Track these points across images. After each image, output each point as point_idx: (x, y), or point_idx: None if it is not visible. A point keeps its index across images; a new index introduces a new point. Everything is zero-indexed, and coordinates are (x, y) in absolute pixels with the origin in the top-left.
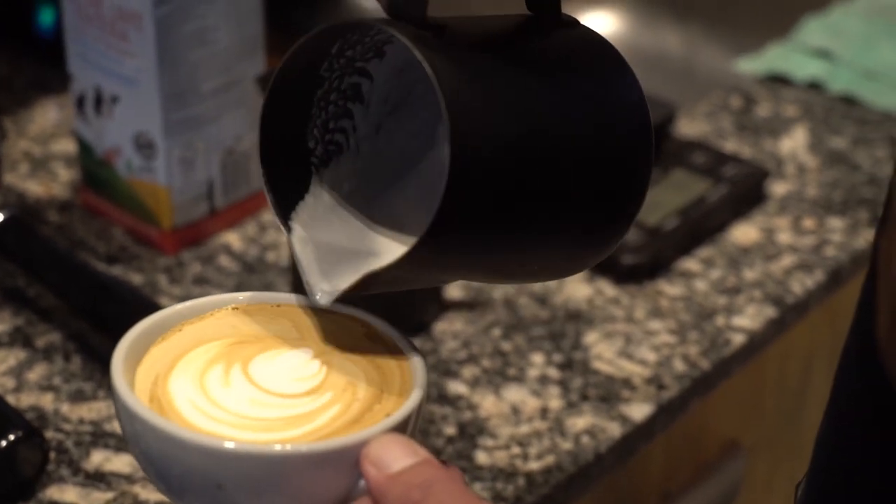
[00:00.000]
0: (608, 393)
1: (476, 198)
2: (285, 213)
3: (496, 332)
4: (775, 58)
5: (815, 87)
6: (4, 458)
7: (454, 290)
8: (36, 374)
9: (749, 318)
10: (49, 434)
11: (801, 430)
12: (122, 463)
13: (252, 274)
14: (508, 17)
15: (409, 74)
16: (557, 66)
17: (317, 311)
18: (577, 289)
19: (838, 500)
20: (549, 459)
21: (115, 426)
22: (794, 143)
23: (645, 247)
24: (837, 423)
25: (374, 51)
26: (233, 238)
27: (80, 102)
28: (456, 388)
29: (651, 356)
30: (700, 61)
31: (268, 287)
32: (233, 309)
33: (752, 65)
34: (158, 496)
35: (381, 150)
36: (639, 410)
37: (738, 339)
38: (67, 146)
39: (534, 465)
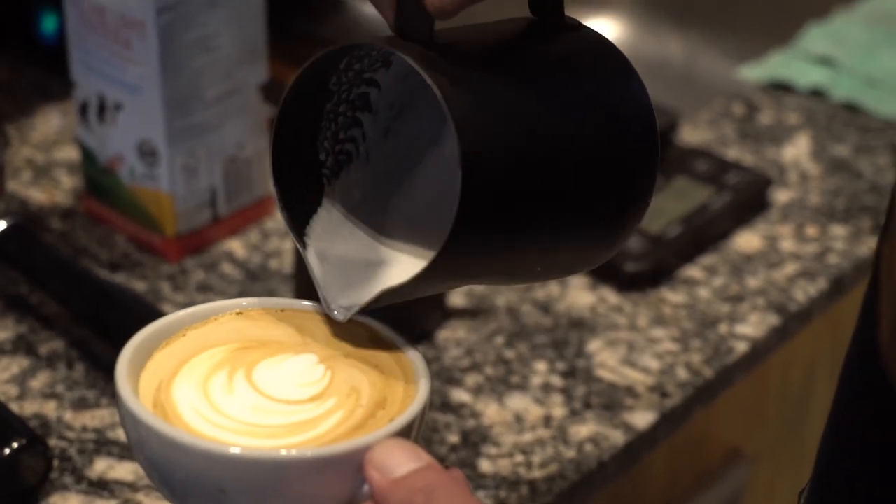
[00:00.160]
0: (611, 401)
1: (488, 214)
2: (299, 230)
3: (499, 339)
4: (777, 65)
5: (817, 94)
6: (8, 466)
7: (457, 298)
8: (39, 381)
9: (752, 326)
10: (52, 442)
11: (804, 437)
12: (125, 471)
13: (255, 281)
14: (513, 23)
15: (413, 78)
16: (562, 71)
17: (321, 317)
18: (580, 296)
19: (841, 500)
20: (553, 467)
21: (119, 434)
22: (797, 150)
23: (648, 254)
24: (840, 430)
25: (381, 61)
26: (236, 245)
27: (84, 110)
28: (459, 396)
29: (654, 364)
30: (702, 69)
31: (271, 294)
32: (237, 314)
33: (754, 72)
34: (162, 503)
35: (389, 154)
36: (642, 418)
37: (741, 347)
38: (70, 153)
39: (537, 474)
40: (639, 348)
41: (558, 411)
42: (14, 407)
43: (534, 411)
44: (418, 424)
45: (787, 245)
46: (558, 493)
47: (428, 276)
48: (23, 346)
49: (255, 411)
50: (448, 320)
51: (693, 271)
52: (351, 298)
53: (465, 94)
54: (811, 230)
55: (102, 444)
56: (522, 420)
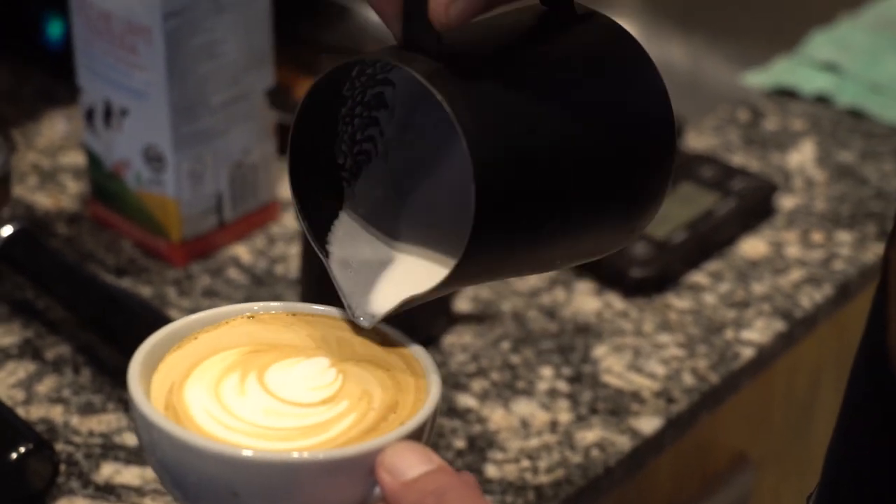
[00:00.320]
0: (617, 406)
1: (505, 222)
2: (320, 238)
3: (505, 345)
4: (782, 71)
5: (822, 100)
6: (15, 471)
7: (463, 304)
8: (45, 386)
9: (758, 332)
10: (59, 446)
11: (809, 443)
12: (131, 475)
13: (261, 286)
14: (522, 15)
15: None
16: (575, 67)
17: (332, 320)
18: (586, 302)
19: None
20: (559, 473)
21: (125, 439)
22: (802, 156)
23: (653, 260)
24: (848, 434)
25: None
26: (241, 250)
27: (90, 115)
28: (465, 401)
29: (660, 370)
30: (707, 75)
31: (277, 299)
32: (248, 317)
33: (759, 78)
34: None
35: (408, 148)
36: (648, 424)
37: (747, 353)
38: (76, 158)
39: (543, 479)
40: (645, 354)
41: (564, 417)
42: (21, 411)
43: (540, 416)
44: (429, 427)
45: (793, 251)
46: (564, 498)
47: (449, 283)
48: (29, 350)
49: (267, 414)
50: (454, 325)
51: (699, 277)
52: (375, 305)
53: (475, 105)
54: (817, 236)
55: (109, 449)
56: (528, 425)
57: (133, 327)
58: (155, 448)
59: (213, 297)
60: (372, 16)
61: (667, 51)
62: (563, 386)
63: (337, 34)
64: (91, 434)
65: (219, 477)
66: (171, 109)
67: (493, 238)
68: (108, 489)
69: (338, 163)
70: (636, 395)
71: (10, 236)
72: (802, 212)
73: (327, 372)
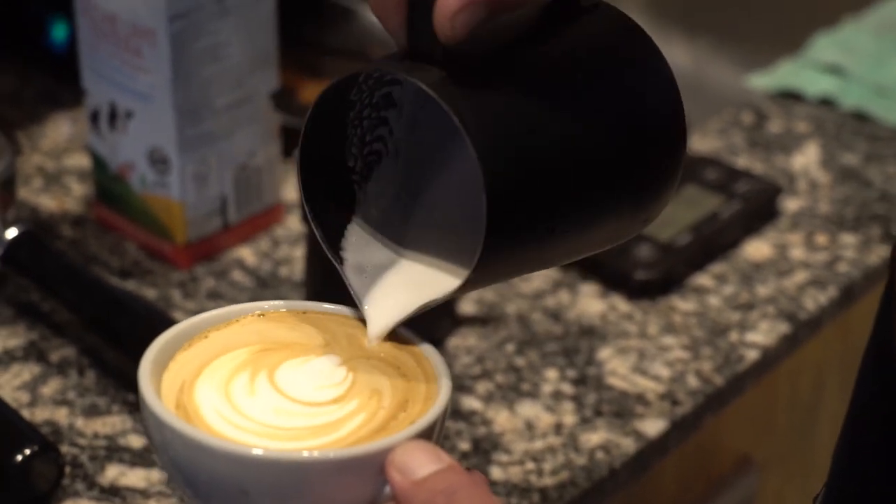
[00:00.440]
0: (622, 408)
1: (517, 227)
2: (334, 246)
3: (510, 347)
4: (786, 74)
5: (826, 103)
6: (20, 473)
7: (467, 306)
8: (50, 388)
9: (762, 334)
10: (64, 448)
11: (813, 445)
12: (136, 477)
13: (265, 289)
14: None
15: None
16: (582, 59)
17: (342, 319)
18: (591, 304)
19: None
20: (564, 475)
21: (130, 441)
22: (806, 159)
23: (658, 262)
24: (856, 433)
25: None
26: (246, 253)
27: (94, 117)
28: (470, 403)
29: (664, 372)
30: (711, 77)
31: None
32: (259, 316)
33: (763, 81)
34: None
35: (418, 144)
36: (653, 426)
37: (752, 355)
38: (81, 161)
39: (548, 481)
40: (649, 356)
41: (569, 419)
42: (26, 414)
43: (545, 419)
44: (439, 426)
45: (797, 253)
46: (569, 500)
47: (464, 290)
48: (34, 353)
49: (277, 413)
50: (458, 328)
51: (703, 279)
52: (393, 311)
53: (483, 112)
54: (821, 238)
55: (114, 451)
56: (533, 427)
57: (138, 329)
58: (166, 447)
59: (218, 299)
60: (375, 18)
61: (671, 53)
62: (567, 388)
63: (341, 36)
64: (96, 436)
65: (229, 476)
66: (176, 112)
67: (505, 244)
68: (113, 491)
69: (348, 166)
70: (641, 398)
71: (14, 239)
72: (807, 214)
73: (337, 371)
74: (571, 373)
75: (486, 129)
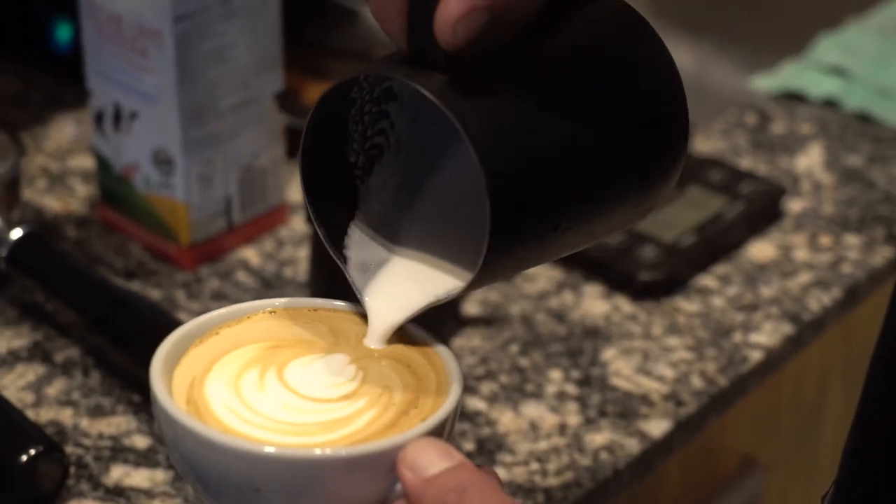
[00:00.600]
0: (626, 409)
1: (521, 227)
2: (337, 245)
3: (514, 348)
4: (790, 75)
5: (829, 104)
6: (25, 473)
7: (471, 307)
8: (55, 388)
9: (766, 335)
10: (68, 449)
11: (817, 446)
12: (141, 478)
13: (270, 290)
14: None
15: None
16: (583, 52)
17: (353, 316)
18: (595, 305)
19: None
20: (568, 475)
21: (135, 441)
22: (810, 160)
23: (662, 263)
24: (865, 433)
25: None
26: (250, 254)
27: (99, 118)
28: (474, 403)
29: (669, 372)
30: (714, 79)
31: None
32: (269, 313)
33: (766, 82)
34: None
35: (419, 136)
36: (657, 426)
37: (756, 356)
38: (85, 162)
39: (552, 481)
40: (653, 357)
41: (573, 419)
42: (30, 414)
43: (549, 419)
44: (450, 423)
45: (801, 254)
46: (574, 500)
47: (468, 290)
48: (39, 353)
49: (287, 409)
50: (462, 329)
51: (707, 280)
52: (395, 310)
53: (485, 115)
54: (825, 240)
55: (119, 452)
56: (538, 428)
57: (142, 330)
58: (178, 444)
59: (222, 300)
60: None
61: (674, 55)
62: (571, 389)
63: (345, 38)
64: (101, 436)
65: (241, 473)
66: (181, 113)
67: (509, 245)
68: (118, 491)
69: (350, 162)
70: (645, 398)
71: (19, 240)
72: (810, 215)
73: (348, 367)
74: (575, 373)
75: (488, 133)
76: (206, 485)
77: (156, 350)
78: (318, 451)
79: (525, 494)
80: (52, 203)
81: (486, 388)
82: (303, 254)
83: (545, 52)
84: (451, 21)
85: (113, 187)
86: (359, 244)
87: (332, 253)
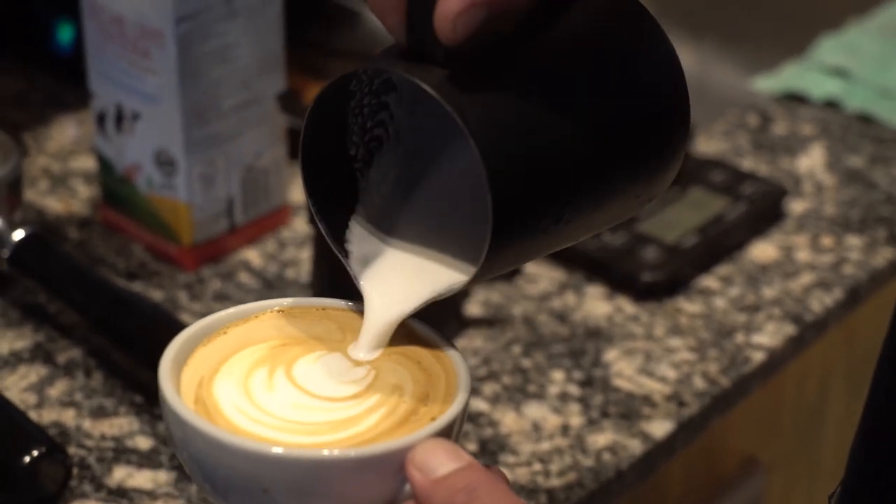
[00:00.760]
0: (629, 410)
1: (522, 222)
2: (338, 239)
3: (516, 349)
4: (791, 76)
5: (831, 105)
6: (27, 474)
7: (473, 308)
8: (57, 390)
9: (768, 336)
10: (71, 450)
11: (819, 447)
12: (144, 479)
13: (272, 290)
14: None
15: None
16: (583, 44)
17: (362, 315)
18: (597, 306)
19: None
20: (571, 476)
21: (138, 442)
22: (812, 161)
23: (664, 264)
24: (872, 432)
25: None
26: (252, 255)
27: (101, 119)
28: (477, 404)
29: (671, 373)
30: (716, 80)
31: None
32: (278, 311)
33: (768, 83)
34: None
35: (418, 127)
36: (660, 427)
37: (758, 357)
38: (87, 163)
39: (555, 482)
40: (655, 358)
41: (576, 420)
42: (33, 415)
43: (551, 420)
44: (459, 424)
45: (803, 255)
46: (576, 501)
47: (470, 284)
48: (41, 354)
49: (295, 408)
50: (465, 329)
51: (709, 281)
52: (398, 304)
53: (485, 110)
54: (826, 240)
55: (121, 453)
56: (540, 429)
57: (144, 331)
58: (186, 444)
59: (224, 300)
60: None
61: None
62: (574, 390)
63: (346, 38)
64: (103, 437)
65: (249, 473)
66: (183, 113)
67: (511, 240)
68: (121, 493)
69: (350, 155)
70: (647, 399)
71: (21, 241)
72: (812, 216)
73: (356, 366)
74: (578, 374)
75: (488, 127)
76: (214, 485)
77: (158, 350)
78: (325, 452)
79: (528, 495)
80: (54, 204)
81: (489, 388)
82: (305, 255)
83: (545, 44)
84: (450, 16)
85: (115, 188)
86: (360, 238)
87: (333, 247)
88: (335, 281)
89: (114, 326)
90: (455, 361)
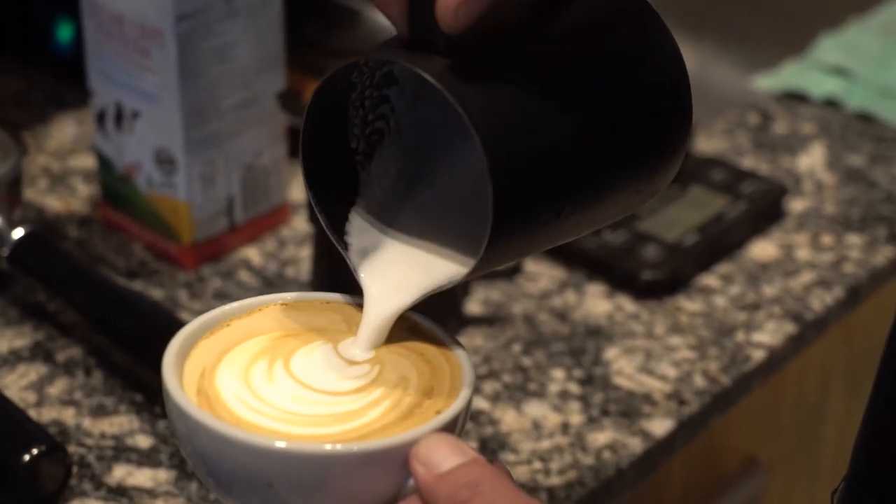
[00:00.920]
0: (629, 408)
1: (523, 215)
2: (338, 231)
3: (516, 347)
4: (791, 75)
5: (831, 104)
6: (27, 473)
7: (474, 306)
8: (57, 388)
9: (768, 335)
10: (71, 449)
11: (819, 446)
12: (144, 477)
13: (272, 289)
14: None
15: None
16: (585, 37)
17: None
18: (597, 305)
19: (875, 501)
20: (571, 474)
21: (138, 441)
22: (812, 160)
23: (664, 263)
24: (876, 428)
25: None
26: (252, 253)
27: (101, 118)
28: (477, 403)
29: (671, 372)
30: (716, 78)
31: None
32: (282, 305)
33: (768, 82)
34: None
35: (420, 121)
36: (660, 426)
37: (758, 355)
38: (86, 161)
39: (555, 480)
40: (656, 356)
41: (576, 418)
42: (32, 414)
43: (552, 418)
44: (463, 418)
45: (803, 254)
46: (577, 499)
47: (469, 277)
48: (41, 353)
49: (295, 400)
50: (465, 328)
51: (709, 280)
52: (397, 296)
53: (487, 101)
54: (827, 239)
55: (121, 451)
56: (540, 427)
57: (144, 330)
58: (190, 438)
59: (224, 299)
60: (381, 19)
61: None
62: (574, 388)
63: (346, 38)
64: (103, 436)
65: (253, 468)
66: (183, 112)
67: (512, 232)
68: (121, 491)
69: (351, 148)
70: (647, 397)
71: (20, 239)
72: (812, 215)
73: (360, 358)
74: (578, 373)
75: (490, 118)
76: (217, 479)
77: (158, 349)
78: (329, 447)
79: (528, 494)
80: (54, 203)
81: (489, 387)
82: (305, 253)
83: (548, 35)
84: (452, 4)
85: (115, 187)
86: (360, 230)
87: (333, 239)
88: (335, 279)
89: (114, 325)
90: (459, 356)
